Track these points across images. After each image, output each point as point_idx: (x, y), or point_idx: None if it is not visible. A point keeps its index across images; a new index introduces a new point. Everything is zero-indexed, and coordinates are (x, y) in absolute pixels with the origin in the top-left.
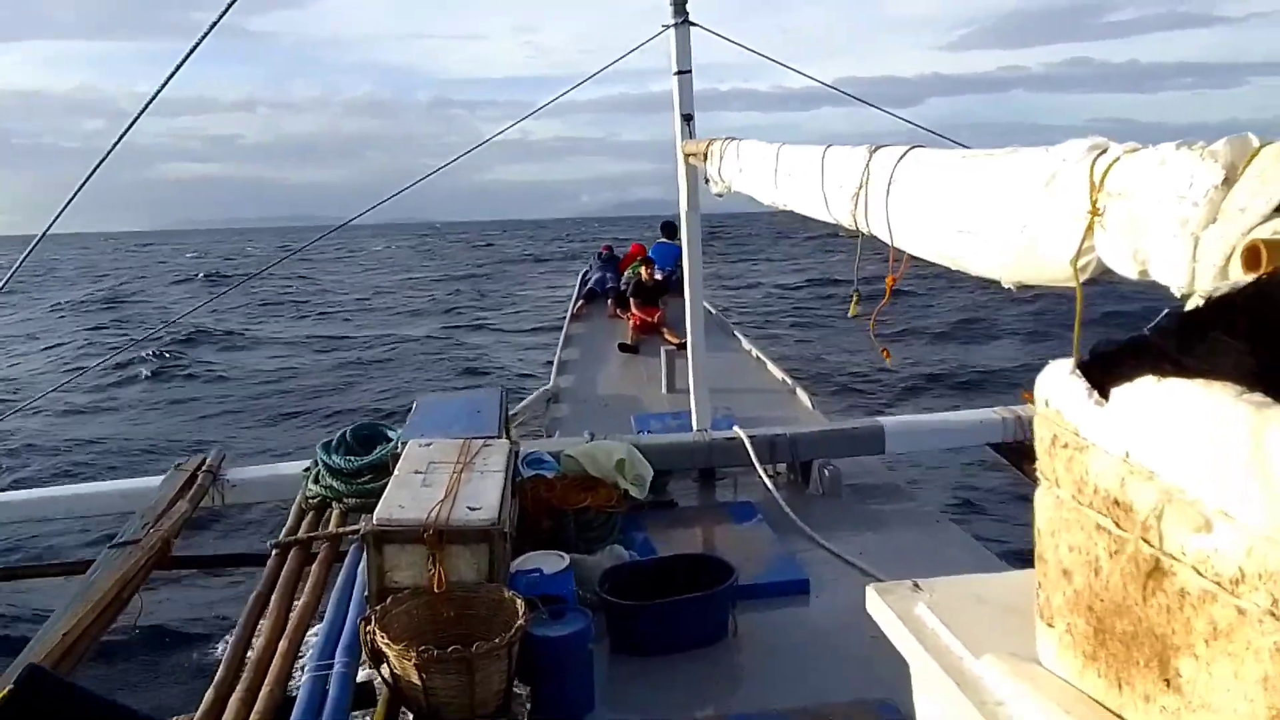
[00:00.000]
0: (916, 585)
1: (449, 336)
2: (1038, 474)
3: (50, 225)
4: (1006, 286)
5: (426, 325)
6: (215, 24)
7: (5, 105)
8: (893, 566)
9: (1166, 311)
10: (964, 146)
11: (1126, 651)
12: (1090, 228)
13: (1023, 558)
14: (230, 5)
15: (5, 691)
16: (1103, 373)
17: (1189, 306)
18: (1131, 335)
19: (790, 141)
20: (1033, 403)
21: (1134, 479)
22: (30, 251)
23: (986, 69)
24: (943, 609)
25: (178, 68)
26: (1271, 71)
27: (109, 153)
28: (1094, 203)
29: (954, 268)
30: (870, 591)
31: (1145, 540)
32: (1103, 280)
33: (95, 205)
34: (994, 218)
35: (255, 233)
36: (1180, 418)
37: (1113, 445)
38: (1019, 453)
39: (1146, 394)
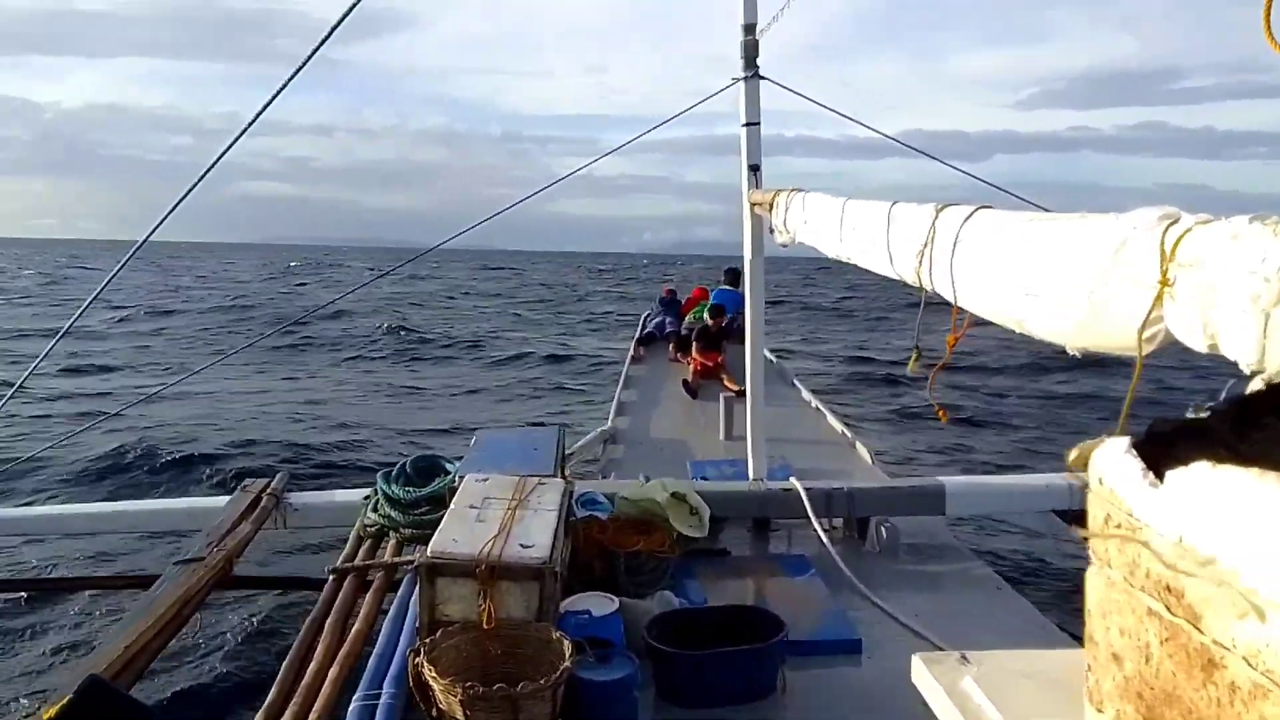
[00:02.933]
0: (964, 658)
1: None
2: (1089, 552)
3: (152, 232)
4: (1071, 352)
5: None
6: (322, 44)
7: (95, 117)
8: (948, 631)
9: (1226, 393)
10: (1032, 204)
11: None
12: (1159, 298)
13: (1082, 632)
14: (334, 29)
15: (65, 700)
16: (1158, 453)
17: (1249, 390)
18: (1188, 417)
19: (856, 190)
20: (1076, 465)
21: (1187, 564)
22: (131, 256)
23: (1055, 128)
24: (989, 684)
25: (282, 87)
26: None
27: (212, 165)
28: (1164, 273)
29: (1017, 330)
30: (916, 661)
31: (1196, 628)
32: (1170, 351)
33: (182, 215)
34: (1060, 282)
35: (340, 251)
36: (1234, 505)
37: (1166, 529)
38: (1086, 521)
39: (1201, 479)
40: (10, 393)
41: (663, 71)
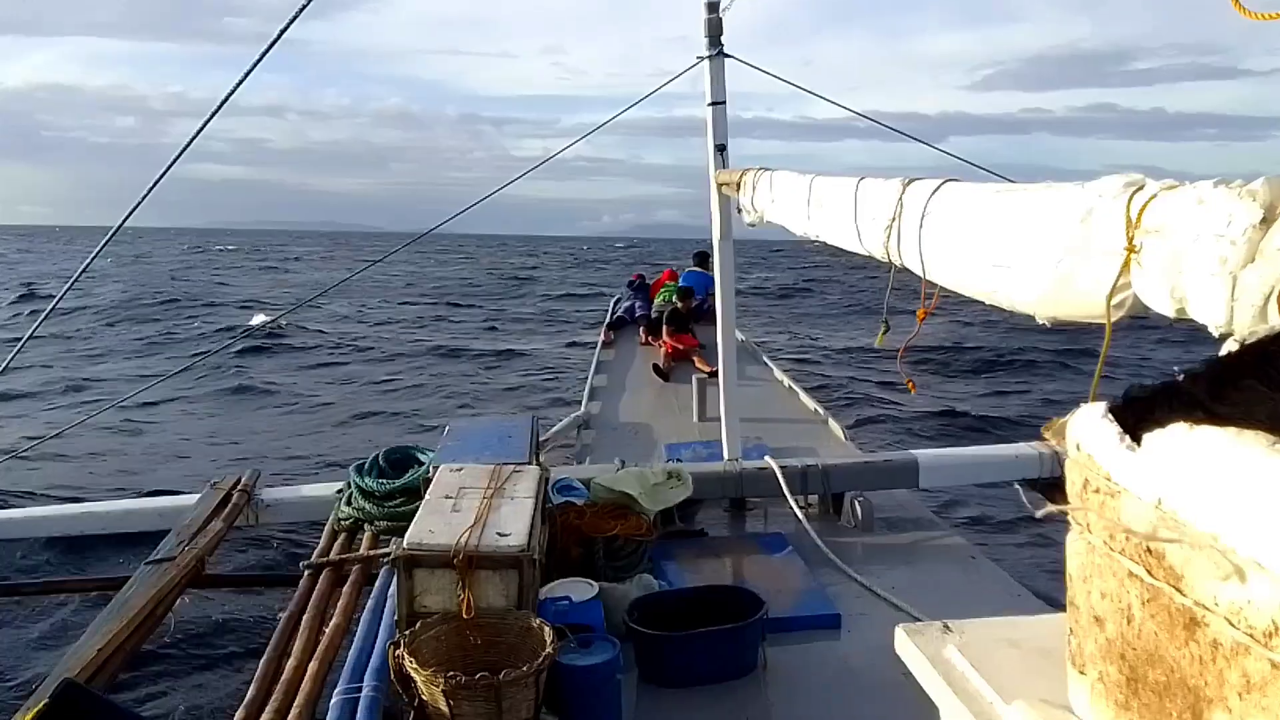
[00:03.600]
0: (947, 626)
1: None
2: (1069, 518)
3: (123, 221)
4: (1040, 322)
5: None
6: (285, 28)
7: (40, 98)
8: (925, 602)
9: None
10: (997, 177)
11: (1160, 702)
12: (1126, 265)
13: (1060, 597)
14: (302, 10)
15: (41, 705)
16: (1135, 417)
17: (1224, 351)
18: (1165, 379)
19: (813, 171)
20: (1053, 439)
21: (1167, 526)
22: (103, 247)
23: (1009, 110)
24: (973, 652)
25: (255, 64)
26: None
27: (186, 146)
28: (1130, 239)
29: (987, 301)
30: (899, 632)
31: (1177, 589)
32: (1140, 317)
33: (131, 201)
34: (1028, 252)
35: (294, 235)
36: (1212, 466)
37: (1145, 492)
38: (1055, 489)
39: (1178, 441)
40: None
41: (621, 52)
